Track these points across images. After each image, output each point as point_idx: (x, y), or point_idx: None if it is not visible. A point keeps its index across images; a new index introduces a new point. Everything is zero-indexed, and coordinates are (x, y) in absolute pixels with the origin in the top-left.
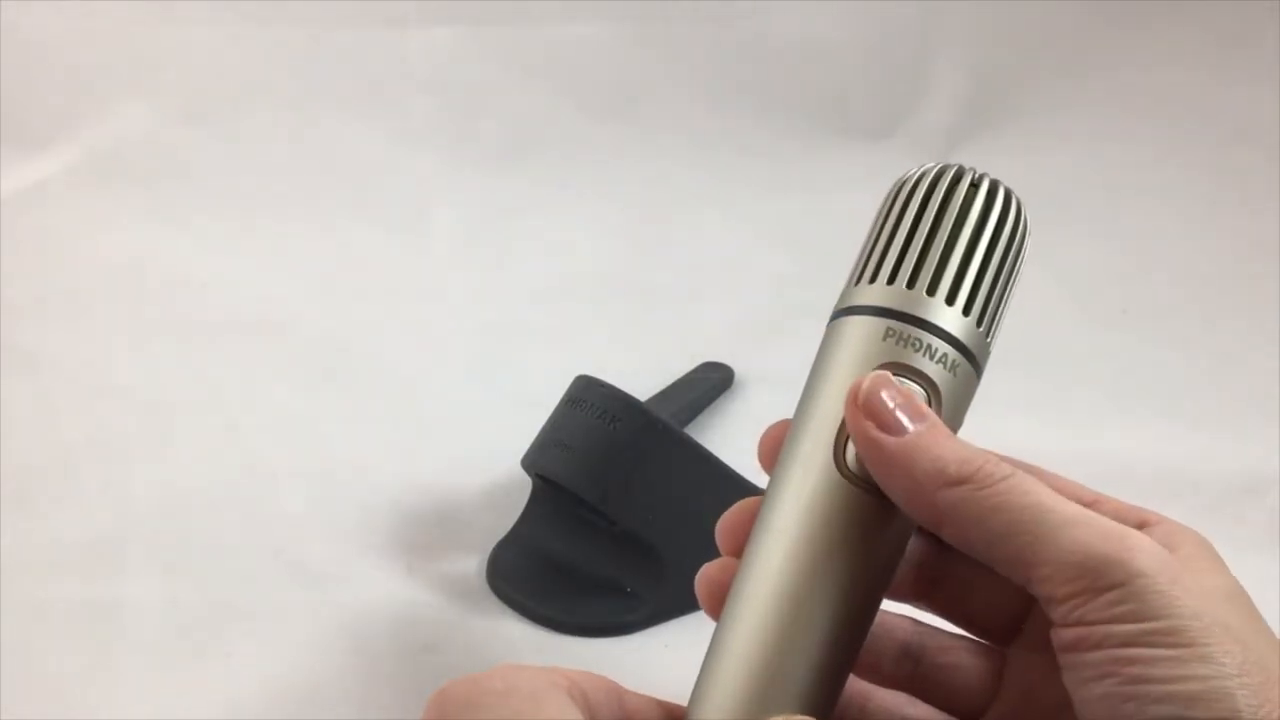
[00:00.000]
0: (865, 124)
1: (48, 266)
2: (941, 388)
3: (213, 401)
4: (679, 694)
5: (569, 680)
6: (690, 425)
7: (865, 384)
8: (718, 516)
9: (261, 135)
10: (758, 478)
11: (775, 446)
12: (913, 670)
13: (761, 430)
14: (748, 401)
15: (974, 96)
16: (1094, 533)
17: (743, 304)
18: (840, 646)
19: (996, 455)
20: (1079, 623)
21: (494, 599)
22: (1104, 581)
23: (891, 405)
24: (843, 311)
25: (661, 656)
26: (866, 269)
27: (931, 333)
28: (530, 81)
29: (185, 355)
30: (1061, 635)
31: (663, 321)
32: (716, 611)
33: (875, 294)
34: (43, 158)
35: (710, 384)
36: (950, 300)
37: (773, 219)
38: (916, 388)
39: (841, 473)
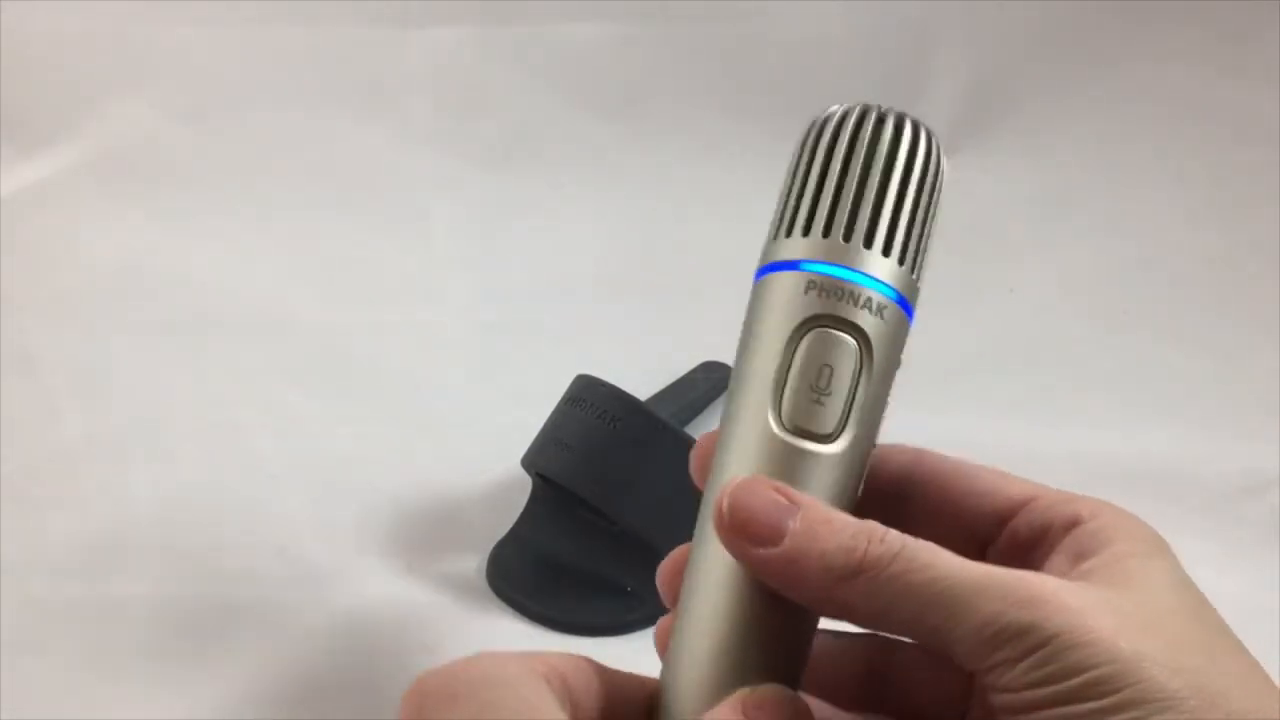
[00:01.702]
0: None
1: (48, 266)
2: (871, 334)
3: (212, 401)
4: None
5: (547, 665)
6: (690, 425)
7: (726, 501)
8: None
9: (261, 135)
10: None
11: (705, 457)
12: (882, 690)
13: None
14: None
15: (974, 95)
16: (1002, 600)
17: (743, 304)
18: (793, 619)
19: (879, 528)
20: (1006, 689)
21: (494, 599)
22: (1021, 649)
23: (761, 510)
24: (765, 268)
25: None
26: (783, 221)
27: (853, 279)
28: (530, 81)
29: (185, 355)
30: (991, 700)
31: (663, 321)
32: (671, 595)
33: (794, 247)
34: (43, 158)
35: (710, 384)
36: (868, 243)
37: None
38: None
39: (781, 428)
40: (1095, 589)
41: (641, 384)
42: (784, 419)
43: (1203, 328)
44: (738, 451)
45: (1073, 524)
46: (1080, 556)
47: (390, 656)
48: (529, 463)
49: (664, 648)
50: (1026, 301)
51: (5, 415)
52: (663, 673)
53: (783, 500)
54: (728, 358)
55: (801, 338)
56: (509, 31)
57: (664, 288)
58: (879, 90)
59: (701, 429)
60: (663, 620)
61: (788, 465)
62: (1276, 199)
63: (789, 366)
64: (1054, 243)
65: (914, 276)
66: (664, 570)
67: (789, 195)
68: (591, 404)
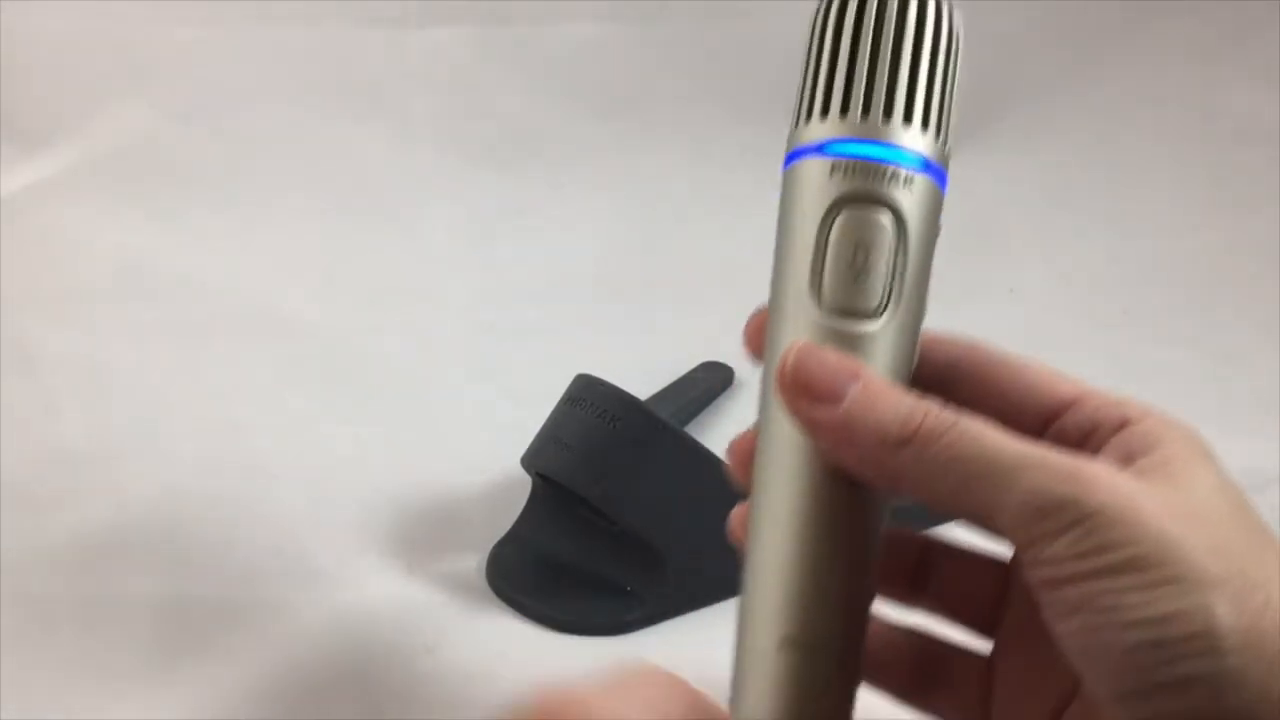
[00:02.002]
0: None
1: (48, 266)
2: (902, 206)
3: (212, 401)
4: None
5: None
6: (690, 425)
7: (790, 359)
8: (717, 516)
9: (261, 135)
10: None
11: (760, 331)
12: (925, 584)
13: None
14: (748, 401)
15: (973, 96)
16: (1047, 474)
17: (743, 304)
18: (861, 498)
19: (937, 403)
20: (1046, 563)
21: (494, 598)
22: (1062, 522)
23: (823, 372)
24: (790, 156)
25: (661, 656)
26: (802, 107)
27: (877, 154)
28: (530, 81)
29: (185, 355)
30: (1031, 575)
31: (663, 321)
32: (743, 476)
33: (815, 130)
34: (43, 158)
35: (710, 384)
36: (888, 115)
37: (773, 218)
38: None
39: (823, 312)
40: (1142, 480)
41: (641, 384)
42: (825, 302)
43: (1203, 328)
44: (786, 341)
45: (1121, 425)
46: (1128, 457)
47: (390, 656)
48: (529, 462)
49: (741, 532)
50: (1026, 301)
51: (5, 415)
52: (744, 560)
53: (845, 366)
54: (728, 358)
55: (833, 220)
56: (509, 31)
57: (664, 288)
58: None
59: (701, 429)
60: (739, 507)
61: (836, 346)
62: (1276, 199)
63: (824, 250)
64: (1054, 243)
65: (940, 141)
66: (734, 451)
67: (804, 80)
68: (591, 404)
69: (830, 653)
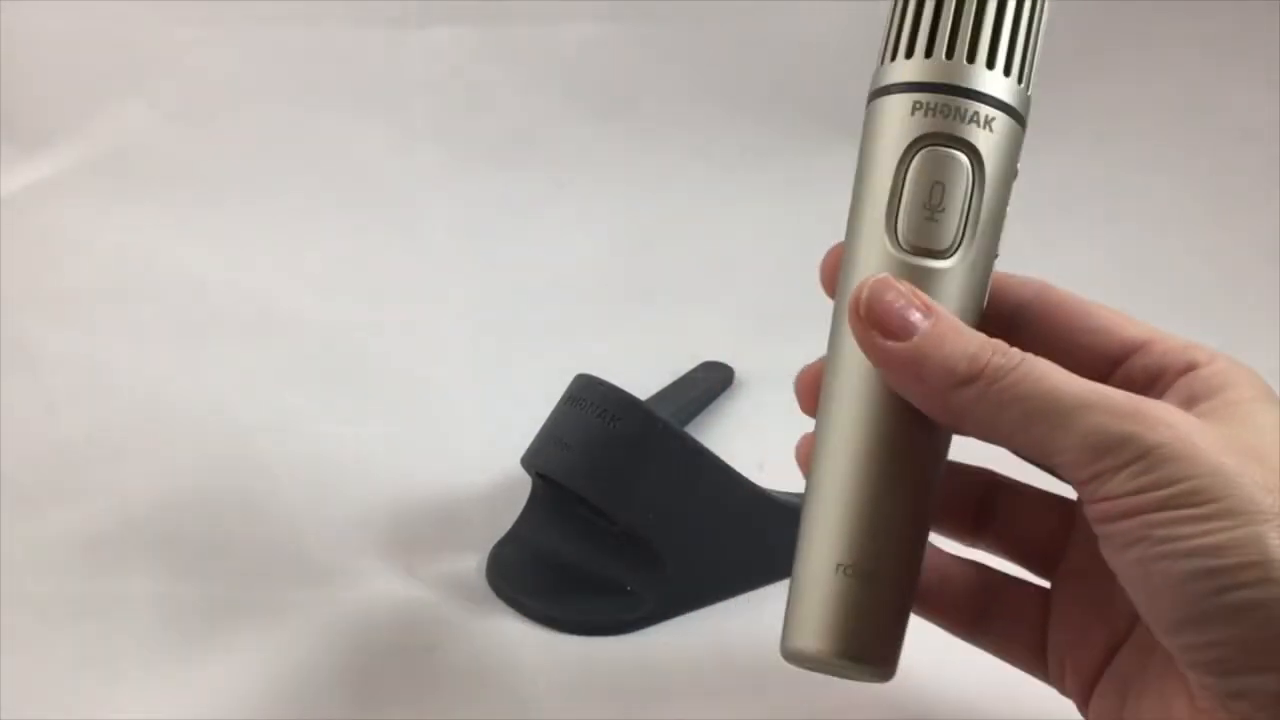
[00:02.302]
0: None
1: (48, 266)
2: (980, 147)
3: (213, 401)
4: (676, 692)
5: None
6: (690, 425)
7: (865, 292)
8: (717, 515)
9: (261, 135)
10: (758, 476)
11: (834, 269)
12: (989, 523)
13: (761, 431)
14: (748, 401)
15: None
16: (1107, 413)
17: (743, 304)
18: (925, 432)
19: (1003, 343)
20: (1104, 498)
21: (494, 598)
22: (1122, 459)
23: (896, 307)
24: (876, 93)
25: (661, 656)
26: (887, 46)
27: (957, 96)
28: (530, 81)
29: (185, 355)
30: (1090, 510)
31: (663, 321)
32: (809, 404)
33: (898, 70)
34: (43, 158)
35: (710, 384)
36: (970, 59)
37: (773, 219)
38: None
39: (898, 248)
40: (1202, 419)
41: (641, 384)
42: (900, 239)
43: (1203, 328)
44: (859, 275)
45: (1188, 369)
46: (1193, 399)
47: (390, 656)
48: (528, 462)
49: (806, 460)
50: None
51: (5, 415)
52: (807, 489)
53: (917, 302)
54: (728, 358)
55: (911, 158)
56: (509, 31)
57: (664, 288)
58: None
59: (701, 429)
60: (805, 435)
61: (899, 275)
62: (1276, 199)
63: (901, 187)
64: (1055, 242)
65: (1021, 85)
66: (802, 380)
67: (890, 20)
68: (591, 403)
69: (885, 581)
